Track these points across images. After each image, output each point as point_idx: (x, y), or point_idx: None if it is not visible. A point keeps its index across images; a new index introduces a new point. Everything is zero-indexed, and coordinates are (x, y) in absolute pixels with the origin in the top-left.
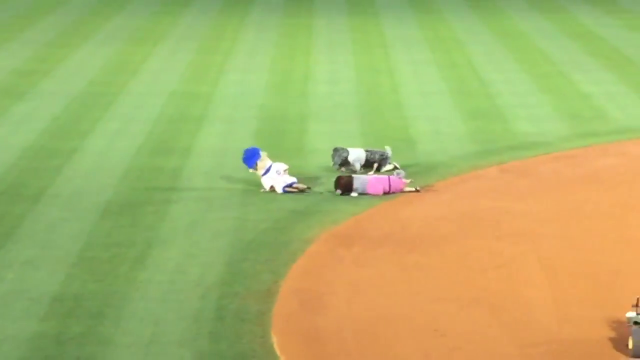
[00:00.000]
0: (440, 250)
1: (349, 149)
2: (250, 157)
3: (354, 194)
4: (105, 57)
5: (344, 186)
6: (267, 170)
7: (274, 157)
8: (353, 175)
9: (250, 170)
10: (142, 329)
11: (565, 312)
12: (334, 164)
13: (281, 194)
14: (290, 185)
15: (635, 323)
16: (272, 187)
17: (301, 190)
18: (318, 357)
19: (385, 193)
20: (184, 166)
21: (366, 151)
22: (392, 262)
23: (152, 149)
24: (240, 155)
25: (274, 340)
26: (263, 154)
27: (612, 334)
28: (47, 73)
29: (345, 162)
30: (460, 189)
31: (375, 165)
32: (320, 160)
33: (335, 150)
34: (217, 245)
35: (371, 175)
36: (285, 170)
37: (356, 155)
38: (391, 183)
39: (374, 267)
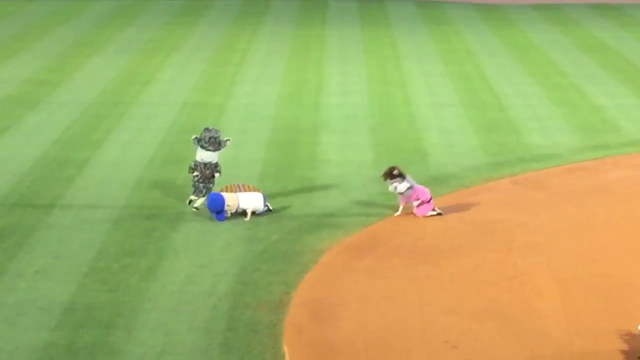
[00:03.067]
0: (452, 262)
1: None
2: (218, 207)
3: (400, 187)
4: (118, 67)
5: (393, 172)
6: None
7: (286, 168)
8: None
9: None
10: (154, 340)
11: (577, 325)
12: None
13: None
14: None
15: None
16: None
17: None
18: None
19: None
20: None
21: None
22: (403, 273)
23: (164, 160)
24: (250, 166)
25: (286, 351)
26: (226, 195)
27: (624, 347)
28: (59, 83)
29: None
30: (473, 201)
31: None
32: (332, 171)
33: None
34: (228, 255)
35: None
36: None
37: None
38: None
39: (386, 278)
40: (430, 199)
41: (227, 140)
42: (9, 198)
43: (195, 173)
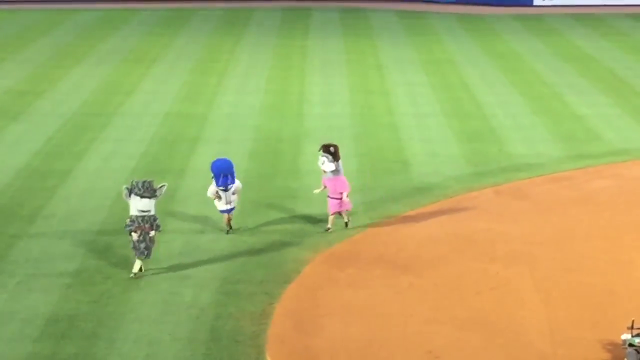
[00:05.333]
0: (434, 272)
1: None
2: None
3: (325, 165)
4: (100, 78)
5: (330, 148)
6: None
7: (269, 178)
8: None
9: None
10: (137, 351)
11: (560, 334)
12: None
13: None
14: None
15: (630, 345)
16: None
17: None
18: None
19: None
20: (178, 187)
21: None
22: (386, 283)
23: (147, 170)
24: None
25: None
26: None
27: (607, 356)
28: (41, 94)
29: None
30: (455, 211)
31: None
32: (315, 181)
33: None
34: (211, 266)
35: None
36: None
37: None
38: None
39: (369, 288)
40: (339, 199)
41: (161, 186)
42: None
43: (134, 236)
